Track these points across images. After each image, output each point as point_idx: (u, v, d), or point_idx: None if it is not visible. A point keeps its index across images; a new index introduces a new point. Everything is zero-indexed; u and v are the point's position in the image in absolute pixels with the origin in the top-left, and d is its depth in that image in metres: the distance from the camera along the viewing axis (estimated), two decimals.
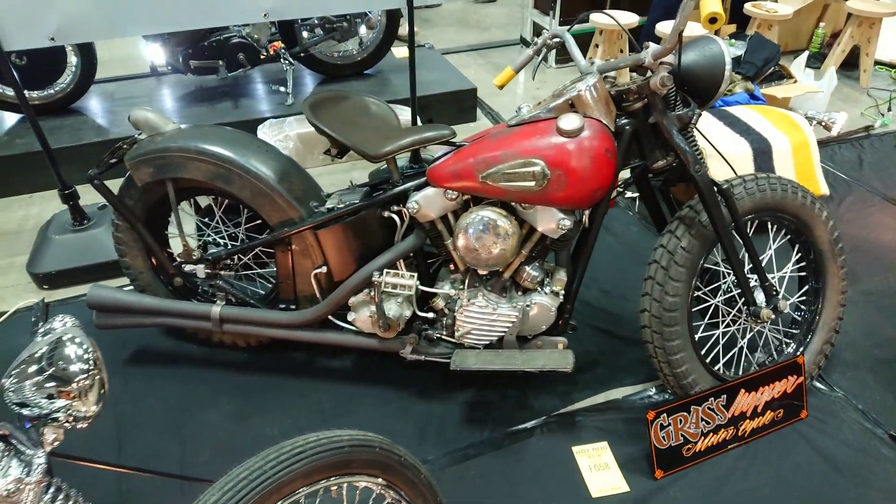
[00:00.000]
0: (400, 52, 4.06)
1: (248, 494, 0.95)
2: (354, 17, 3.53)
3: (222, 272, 1.98)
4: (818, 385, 2.01)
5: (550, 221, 1.65)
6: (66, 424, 0.79)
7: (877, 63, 4.31)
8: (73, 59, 3.24)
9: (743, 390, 1.80)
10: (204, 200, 2.06)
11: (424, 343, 1.88)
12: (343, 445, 1.09)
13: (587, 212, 1.73)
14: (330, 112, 1.78)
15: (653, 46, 1.51)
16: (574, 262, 1.80)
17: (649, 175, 1.79)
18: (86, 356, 0.79)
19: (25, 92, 3.16)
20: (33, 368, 0.78)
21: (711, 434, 1.79)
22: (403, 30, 3.92)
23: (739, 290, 1.80)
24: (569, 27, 1.84)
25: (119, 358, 2.13)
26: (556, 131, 1.56)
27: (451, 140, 1.73)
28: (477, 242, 1.67)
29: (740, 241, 1.74)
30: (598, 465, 1.78)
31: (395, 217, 1.79)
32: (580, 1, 4.44)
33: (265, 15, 2.36)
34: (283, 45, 3.42)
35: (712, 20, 1.24)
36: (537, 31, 4.79)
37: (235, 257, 1.99)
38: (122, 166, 1.84)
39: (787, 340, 1.98)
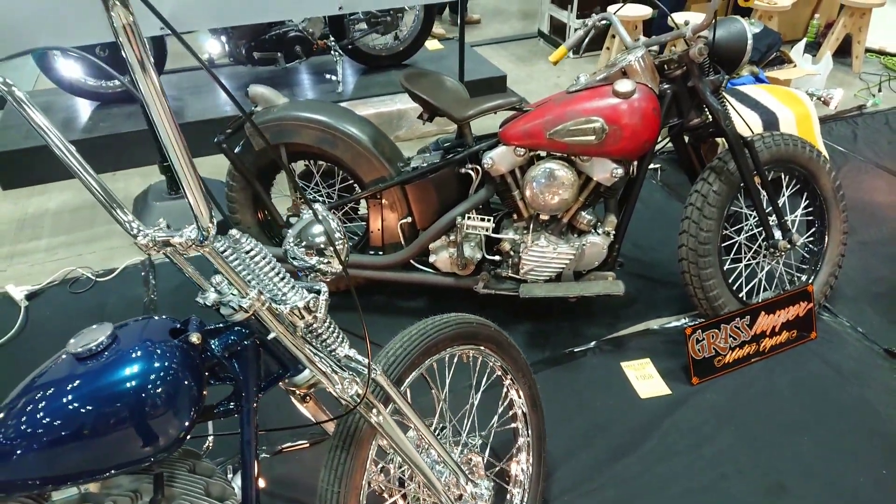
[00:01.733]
0: (432, 44, 4.43)
1: (417, 346, 1.31)
2: (396, 12, 3.89)
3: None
4: (824, 313, 2.37)
5: (605, 171, 2.01)
6: (323, 277, 1.13)
7: (867, 50, 4.68)
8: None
9: (763, 312, 2.16)
10: (299, 167, 2.42)
11: (494, 280, 2.24)
12: (472, 322, 1.45)
13: (635, 163, 2.09)
14: (420, 84, 2.13)
15: (692, 23, 1.88)
16: (621, 207, 2.16)
17: (684, 133, 2.15)
18: (338, 230, 1.13)
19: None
20: (302, 238, 1.12)
21: (738, 349, 2.15)
22: (436, 28, 4.28)
23: (760, 228, 2.17)
24: (613, 11, 2.18)
25: None
26: (612, 94, 1.92)
27: (519, 106, 2.09)
28: (543, 190, 2.03)
29: (761, 186, 2.10)
30: (644, 376, 2.15)
31: (472, 173, 2.15)
32: None
33: (340, 8, 2.71)
34: (333, 38, 3.77)
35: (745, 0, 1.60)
36: (554, 24, 5.16)
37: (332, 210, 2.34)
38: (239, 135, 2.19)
39: (798, 274, 2.34)
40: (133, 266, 2.69)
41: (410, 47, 4.10)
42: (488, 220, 2.12)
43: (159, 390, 0.94)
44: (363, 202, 2.34)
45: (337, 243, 1.11)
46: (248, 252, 1.01)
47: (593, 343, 2.27)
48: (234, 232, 1.01)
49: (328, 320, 1.09)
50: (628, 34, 2.08)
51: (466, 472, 1.34)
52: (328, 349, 1.10)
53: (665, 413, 2.00)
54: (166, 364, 0.96)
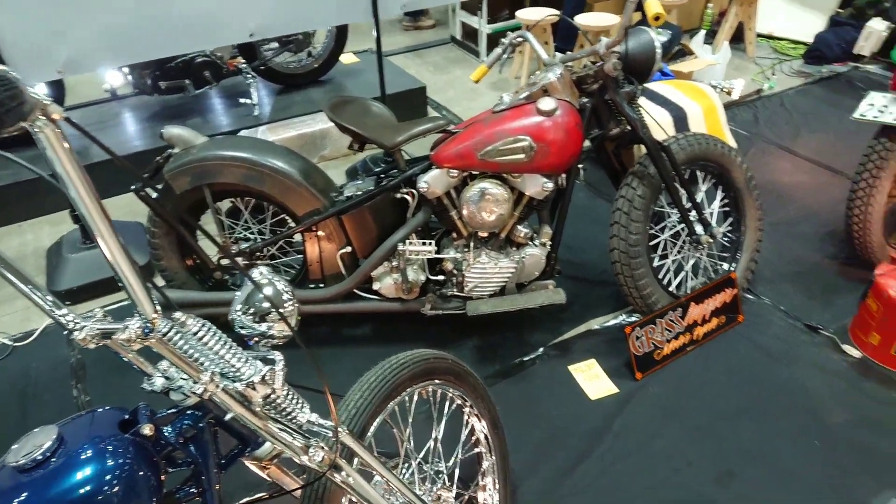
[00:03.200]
0: (347, 58, 4.38)
1: (377, 393, 1.30)
2: (304, 33, 3.81)
3: (258, 262, 2.26)
4: (748, 296, 2.53)
5: (536, 186, 2.06)
6: (274, 342, 1.10)
7: (758, 35, 5.01)
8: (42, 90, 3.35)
9: (693, 303, 2.29)
10: (225, 205, 2.33)
11: (439, 301, 2.25)
12: (428, 357, 1.45)
13: (563, 175, 2.15)
14: (346, 114, 2.11)
15: (604, 39, 1.95)
16: (552, 217, 2.22)
17: (605, 142, 2.23)
18: (286, 291, 1.10)
19: None
20: (249, 305, 1.08)
21: (673, 340, 2.27)
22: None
23: (683, 225, 2.28)
24: (531, 26, 2.24)
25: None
26: (537, 112, 1.97)
27: (447, 128, 2.11)
28: (480, 209, 2.06)
29: (680, 186, 2.22)
30: (591, 377, 2.22)
31: (408, 197, 2.15)
32: (502, 1, 4.91)
33: (251, 35, 2.64)
34: (243, 61, 3.66)
35: (657, 18, 1.67)
36: (466, 30, 5.21)
37: (265, 249, 2.28)
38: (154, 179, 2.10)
39: (721, 263, 2.49)
40: (53, 326, 2.52)
41: (325, 63, 4.04)
42: (429, 244, 2.13)
43: (116, 490, 0.89)
44: (298, 235, 2.29)
45: (287, 306, 1.09)
46: (195, 333, 0.97)
47: (540, 350, 2.32)
48: (178, 315, 0.96)
49: (286, 388, 1.07)
50: (538, 36, 2.14)
51: None
52: (288, 417, 1.08)
53: (615, 412, 2.08)
54: (120, 461, 0.91)
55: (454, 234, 2.21)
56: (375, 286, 2.21)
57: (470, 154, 2.00)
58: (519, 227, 2.16)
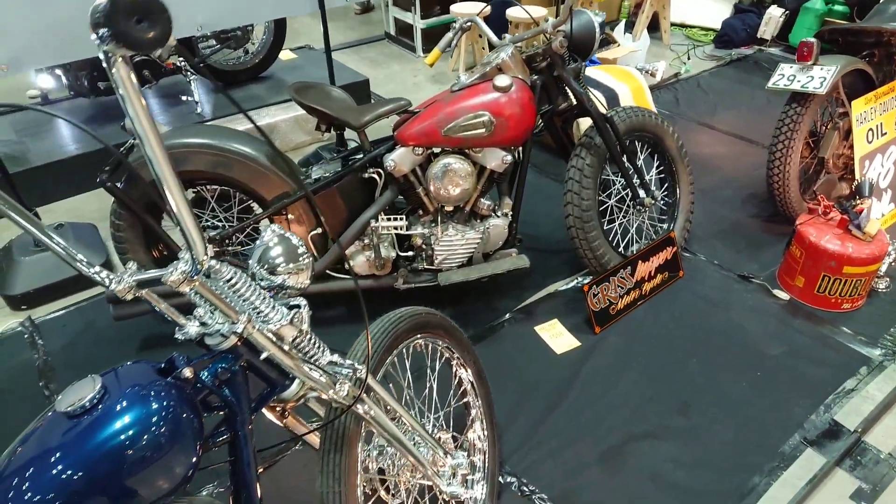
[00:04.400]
0: (285, 55, 4.39)
1: (383, 342, 1.40)
2: (246, 26, 3.82)
3: (228, 249, 2.29)
4: (686, 254, 2.78)
5: (496, 159, 2.20)
6: (291, 293, 1.18)
7: (672, 24, 5.39)
8: None
9: (640, 261, 2.50)
10: (189, 195, 2.35)
11: (411, 275, 2.36)
12: (421, 312, 1.56)
13: (520, 148, 2.30)
14: (311, 96, 2.18)
15: (551, 20, 2.12)
16: (511, 189, 2.38)
17: (555, 117, 2.41)
18: (300, 245, 1.18)
19: None
20: (266, 259, 1.15)
21: (625, 296, 2.47)
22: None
23: (627, 190, 2.49)
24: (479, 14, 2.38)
25: (132, 347, 2.36)
26: (494, 89, 2.11)
27: (408, 109, 2.22)
28: (446, 184, 2.18)
29: (623, 154, 2.42)
30: (555, 335, 2.39)
31: (375, 176, 2.24)
32: None
33: (199, 28, 2.65)
34: (182, 59, 3.62)
35: (596, 13, 1.86)
36: (399, 26, 5.32)
37: (234, 235, 2.31)
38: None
39: (660, 225, 2.72)
40: (11, 330, 2.45)
41: (265, 60, 4.04)
42: (400, 219, 2.23)
43: (163, 430, 0.95)
44: (265, 221, 2.34)
45: (302, 259, 1.17)
46: (228, 280, 1.04)
47: (507, 315, 2.47)
48: (212, 262, 1.03)
49: (309, 332, 1.16)
50: (473, 30, 2.30)
51: (443, 448, 1.46)
52: (312, 359, 1.16)
53: (580, 363, 2.26)
54: (165, 404, 0.97)
55: (420, 211, 2.32)
56: (348, 265, 2.29)
57: (434, 131, 2.12)
58: (482, 200, 2.30)
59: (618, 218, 2.60)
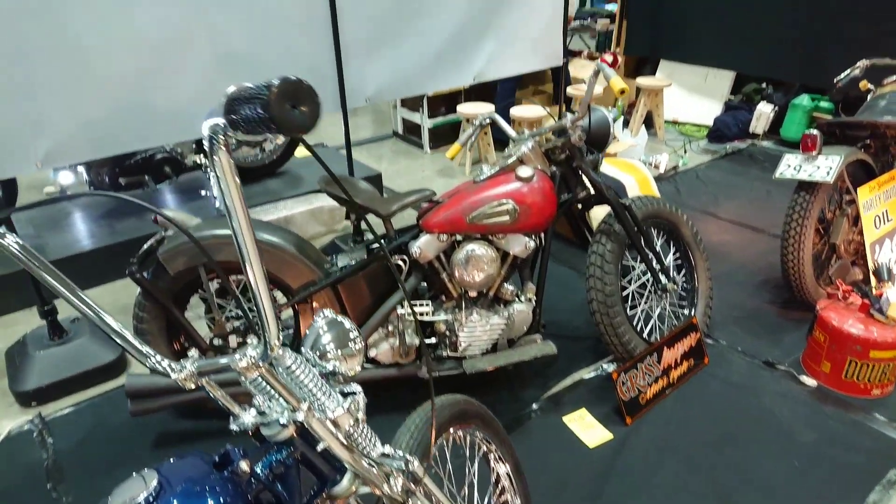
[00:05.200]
0: (300, 152, 4.55)
1: (426, 433, 1.36)
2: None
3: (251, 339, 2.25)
4: (708, 340, 2.76)
5: (520, 245, 2.23)
6: (342, 379, 1.15)
7: (665, 121, 5.67)
8: None
9: (665, 348, 2.48)
10: (213, 286, 2.35)
11: (435, 363, 2.32)
12: (460, 400, 1.52)
13: (542, 235, 2.34)
14: (339, 188, 2.23)
15: (569, 115, 2.23)
16: (533, 274, 2.39)
17: (574, 205, 2.47)
18: (352, 330, 1.16)
19: None
20: (318, 345, 1.13)
21: (654, 384, 2.42)
22: None
23: (648, 275, 2.51)
24: (490, 117, 2.50)
25: (145, 445, 2.26)
26: (517, 179, 2.18)
27: (432, 198, 2.28)
28: (471, 269, 2.20)
29: (643, 240, 2.46)
30: (585, 426, 2.32)
31: (400, 263, 2.26)
32: (439, 100, 5.32)
33: None
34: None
35: (622, 91, 1.96)
36: (407, 125, 5.57)
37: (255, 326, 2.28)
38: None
39: (681, 310, 2.72)
40: (19, 429, 2.35)
41: (282, 157, 4.19)
42: (426, 304, 2.23)
43: None
44: (289, 309, 2.33)
45: (354, 344, 1.16)
46: (288, 367, 1.02)
47: (534, 405, 2.41)
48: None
49: (363, 421, 1.12)
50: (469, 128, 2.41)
51: None
52: (366, 451, 1.12)
53: (614, 456, 2.18)
54: (222, 500, 0.92)
55: (444, 297, 2.32)
56: (371, 353, 2.26)
57: (459, 219, 2.17)
58: (505, 285, 2.31)
59: (639, 304, 2.60)
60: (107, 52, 2.40)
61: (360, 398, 1.09)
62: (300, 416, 0.98)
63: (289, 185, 4.06)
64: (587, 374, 2.58)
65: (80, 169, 3.56)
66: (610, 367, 2.59)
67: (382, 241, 2.31)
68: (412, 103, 5.32)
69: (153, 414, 2.18)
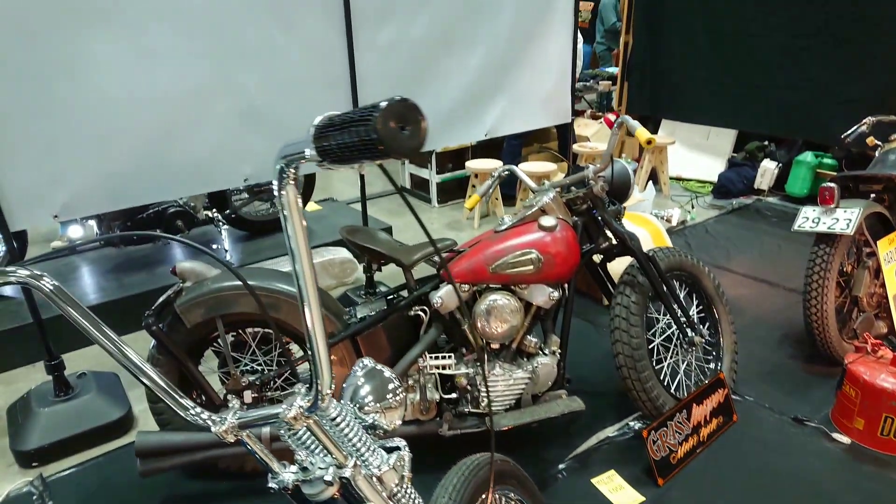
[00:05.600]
0: (310, 206, 4.57)
1: (464, 494, 1.27)
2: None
3: (266, 394, 2.17)
4: (735, 397, 2.67)
5: (543, 295, 2.19)
6: (380, 433, 1.07)
7: (670, 178, 5.72)
8: None
9: (695, 404, 2.39)
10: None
11: (456, 420, 2.23)
12: (497, 460, 1.44)
13: (565, 286, 2.30)
14: (362, 237, 2.21)
15: (591, 166, 2.23)
16: (555, 326, 2.34)
17: (595, 255, 2.44)
18: (393, 380, 1.10)
19: None
20: (357, 397, 1.07)
21: (684, 442, 2.33)
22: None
23: (674, 328, 2.46)
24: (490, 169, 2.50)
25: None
26: (540, 228, 2.16)
27: (453, 248, 2.25)
28: (493, 320, 2.14)
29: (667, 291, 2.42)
30: (615, 488, 2.21)
31: (420, 314, 2.20)
32: (447, 156, 5.39)
33: (245, 179, 2.76)
34: (214, 209, 3.74)
35: (648, 142, 1.97)
36: (414, 180, 5.62)
37: (274, 379, 2.21)
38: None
39: (707, 365, 2.65)
40: (17, 491, 2.23)
41: None
42: (448, 357, 2.16)
43: None
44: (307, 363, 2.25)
45: (395, 396, 1.10)
46: (333, 419, 0.96)
47: (560, 465, 2.30)
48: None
49: (408, 479, 1.04)
50: (483, 183, 2.41)
51: None
52: None
53: None
54: None
55: (464, 350, 2.25)
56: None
57: (482, 268, 2.13)
58: (528, 337, 2.25)
59: (665, 358, 2.53)
60: (129, 107, 2.42)
61: (406, 454, 1.03)
62: (347, 473, 0.91)
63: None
64: (613, 432, 2.48)
65: (91, 223, 3.54)
66: (636, 425, 2.49)
67: (404, 291, 2.27)
68: (420, 160, 5.38)
69: (163, 474, 2.07)
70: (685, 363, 2.57)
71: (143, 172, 2.47)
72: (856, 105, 4.65)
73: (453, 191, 5.48)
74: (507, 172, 2.51)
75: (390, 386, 1.10)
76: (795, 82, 5.05)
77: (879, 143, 3.25)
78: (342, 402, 1.08)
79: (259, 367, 2.25)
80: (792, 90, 5.09)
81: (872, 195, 2.99)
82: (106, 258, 3.73)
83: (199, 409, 0.91)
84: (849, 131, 3.14)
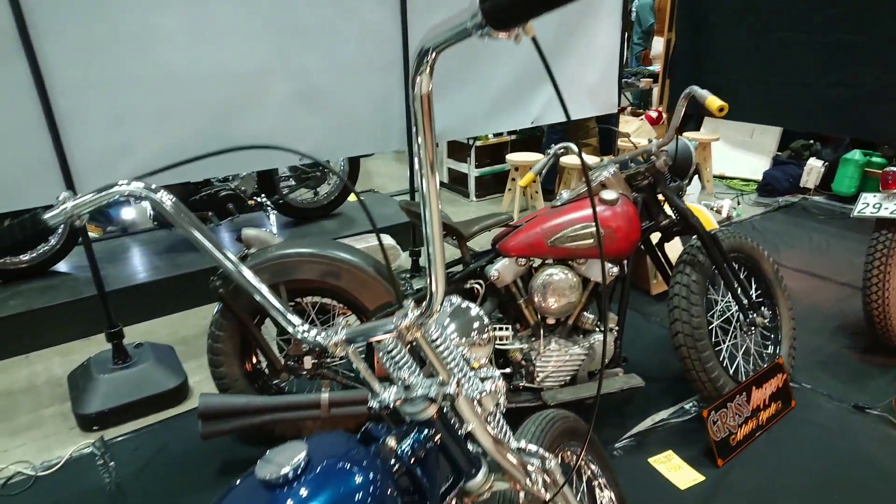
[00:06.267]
0: (352, 197, 4.61)
1: (543, 441, 1.27)
2: (323, 168, 4.05)
3: (327, 359, 2.19)
4: (793, 384, 2.61)
5: (600, 271, 2.17)
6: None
7: (714, 176, 5.65)
8: None
9: (754, 387, 2.34)
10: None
11: (511, 394, 2.21)
12: (570, 416, 1.43)
13: (625, 262, 2.28)
14: (414, 212, 2.22)
15: (655, 140, 2.21)
16: (609, 303, 2.31)
17: (654, 232, 2.41)
18: (484, 318, 1.10)
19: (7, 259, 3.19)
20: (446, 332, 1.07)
21: (744, 425, 2.28)
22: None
23: (735, 308, 2.41)
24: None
25: (209, 473, 2.17)
26: (601, 202, 2.14)
27: (509, 223, 2.25)
28: (551, 295, 2.13)
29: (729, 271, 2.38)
30: (673, 468, 2.17)
31: (476, 286, 2.20)
32: (485, 151, 5.40)
33: (301, 159, 2.80)
34: (263, 195, 3.80)
35: (721, 109, 1.95)
36: (453, 175, 5.64)
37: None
38: None
39: (765, 350, 2.59)
40: (79, 452, 2.28)
41: (336, 200, 4.23)
42: (506, 329, 2.15)
43: None
44: None
45: (479, 334, 1.10)
46: (433, 340, 0.96)
47: (617, 444, 2.27)
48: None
49: (501, 410, 1.04)
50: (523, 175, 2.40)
51: None
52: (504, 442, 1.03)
53: (708, 498, 2.02)
54: (369, 481, 0.84)
55: (519, 325, 2.24)
56: None
57: (540, 242, 2.12)
58: (585, 314, 2.23)
59: (728, 339, 2.49)
60: (193, 83, 2.48)
61: (501, 383, 1.02)
62: (451, 389, 0.91)
63: (343, 225, 4.08)
64: (667, 414, 2.44)
65: (145, 204, 3.61)
66: (692, 408, 2.45)
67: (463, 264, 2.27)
68: (460, 154, 5.40)
69: (222, 436, 2.10)
70: (744, 347, 2.52)
71: (205, 146, 2.52)
72: None
73: (491, 185, 5.47)
74: (562, 150, 2.50)
75: (477, 324, 1.10)
76: (841, 80, 4.95)
77: None
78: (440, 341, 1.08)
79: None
80: (838, 88, 4.98)
81: None
82: (158, 240, 3.81)
83: (306, 326, 0.93)
84: None
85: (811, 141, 5.50)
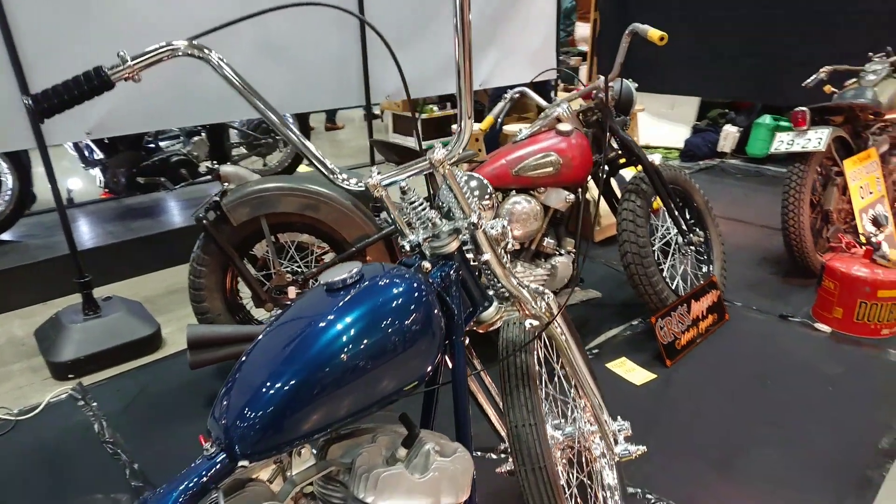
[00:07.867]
0: (301, 168, 4.66)
1: None
2: (273, 136, 4.10)
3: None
4: (726, 302, 2.93)
5: (560, 199, 2.39)
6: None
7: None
8: (8, 181, 3.24)
9: (693, 300, 2.63)
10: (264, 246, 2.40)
11: None
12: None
13: (579, 190, 2.51)
14: (389, 144, 2.36)
15: (602, 77, 2.45)
16: (568, 228, 2.54)
17: (602, 164, 2.65)
18: (489, 185, 1.27)
19: None
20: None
21: (686, 332, 2.56)
22: None
23: (674, 232, 2.70)
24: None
25: (197, 403, 2.23)
26: (557, 134, 2.36)
27: (475, 159, 2.43)
28: (515, 222, 2.33)
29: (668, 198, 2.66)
30: (628, 370, 2.42)
31: None
32: (431, 124, 5.58)
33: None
34: (215, 162, 3.82)
35: (661, 38, 2.20)
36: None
37: (316, 278, 2.33)
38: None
39: (699, 271, 2.90)
40: (57, 398, 2.28)
41: (287, 169, 4.29)
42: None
43: (419, 315, 0.94)
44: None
45: (490, 199, 1.27)
46: (457, 182, 1.12)
47: None
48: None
49: (508, 250, 1.21)
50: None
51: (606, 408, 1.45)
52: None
53: (662, 390, 2.28)
54: (419, 288, 0.97)
55: None
56: None
57: (505, 172, 2.32)
58: (546, 239, 2.44)
59: (668, 260, 2.77)
60: (162, 31, 2.51)
61: (508, 229, 1.19)
62: (475, 219, 1.07)
63: None
64: (618, 330, 2.70)
65: (93, 172, 3.56)
66: (639, 324, 2.71)
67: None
68: (406, 129, 5.55)
69: (210, 366, 2.17)
70: (682, 267, 2.81)
71: (173, 96, 2.56)
72: (809, 68, 5.06)
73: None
74: (518, 94, 2.70)
75: (489, 189, 1.27)
76: (759, 51, 5.45)
77: (836, 90, 3.60)
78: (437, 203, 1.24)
79: (298, 270, 2.37)
80: (757, 58, 5.48)
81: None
82: (108, 209, 3.76)
83: (346, 174, 1.06)
84: (808, 80, 3.47)
85: (726, 109, 6.00)
